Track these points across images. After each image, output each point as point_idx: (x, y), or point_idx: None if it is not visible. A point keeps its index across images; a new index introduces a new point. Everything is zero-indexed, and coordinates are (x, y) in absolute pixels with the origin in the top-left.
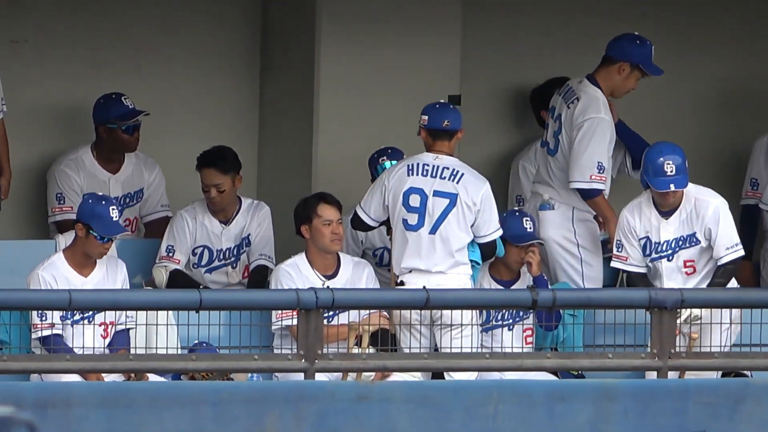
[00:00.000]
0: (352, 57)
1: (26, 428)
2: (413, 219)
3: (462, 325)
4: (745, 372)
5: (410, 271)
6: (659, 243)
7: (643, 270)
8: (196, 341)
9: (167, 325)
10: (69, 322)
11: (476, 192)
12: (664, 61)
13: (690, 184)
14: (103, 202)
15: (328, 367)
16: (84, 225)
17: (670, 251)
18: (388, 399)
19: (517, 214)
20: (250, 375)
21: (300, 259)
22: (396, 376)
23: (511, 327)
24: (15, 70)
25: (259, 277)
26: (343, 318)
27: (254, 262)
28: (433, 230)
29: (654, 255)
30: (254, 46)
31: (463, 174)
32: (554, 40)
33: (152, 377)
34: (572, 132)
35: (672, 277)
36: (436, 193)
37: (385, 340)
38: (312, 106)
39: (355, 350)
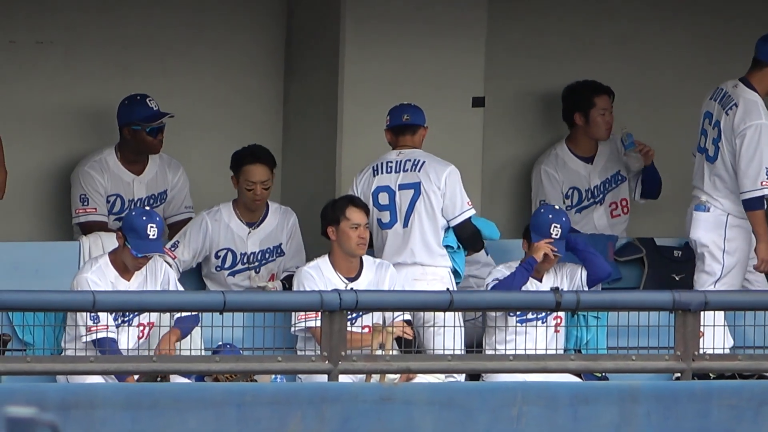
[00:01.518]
0: (376, 59)
1: (49, 430)
2: (386, 217)
3: (444, 325)
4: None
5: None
6: None
7: None
8: (220, 343)
9: None
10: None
11: (438, 176)
12: (690, 64)
13: None
14: (144, 218)
15: (352, 368)
16: (123, 235)
17: None
18: (412, 401)
19: (549, 217)
20: (273, 376)
21: (323, 262)
22: (420, 378)
23: (544, 320)
24: (40, 71)
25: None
26: (367, 320)
27: (286, 271)
28: (406, 223)
29: None
30: (279, 48)
31: (424, 162)
32: (579, 44)
33: (176, 379)
34: (734, 140)
35: None
36: (401, 186)
37: (408, 342)
38: (336, 108)
39: (379, 352)
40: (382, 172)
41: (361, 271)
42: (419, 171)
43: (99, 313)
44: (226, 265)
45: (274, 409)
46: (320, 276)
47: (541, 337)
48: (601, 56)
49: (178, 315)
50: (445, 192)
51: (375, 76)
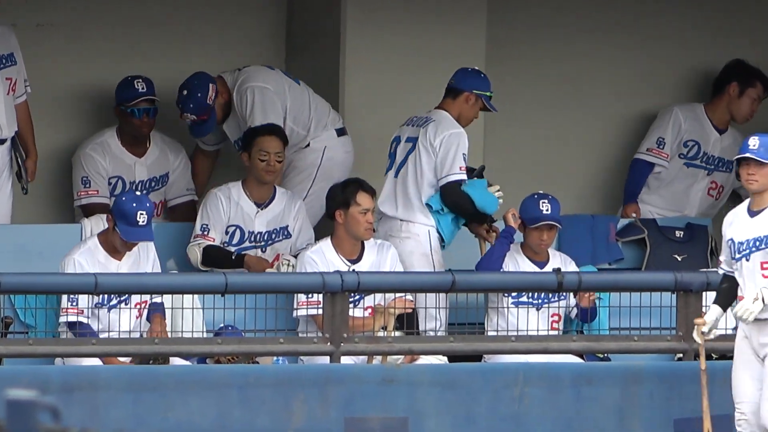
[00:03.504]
0: (377, 42)
1: (50, 412)
2: (389, 164)
3: (426, 307)
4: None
5: (381, 218)
6: None
7: None
8: (222, 325)
9: (193, 308)
10: (106, 307)
11: (435, 134)
12: (705, 44)
13: None
14: (134, 204)
15: (354, 350)
16: (113, 218)
17: None
18: (414, 382)
19: (535, 197)
20: (275, 358)
21: (325, 245)
22: (422, 359)
23: (539, 307)
24: (41, 53)
25: None
26: (369, 301)
27: (298, 251)
28: (396, 173)
29: None
30: (280, 31)
31: (433, 120)
32: (582, 28)
33: (178, 361)
34: None
35: None
36: (407, 139)
37: (411, 323)
38: (338, 91)
39: (381, 333)
40: (406, 125)
41: (363, 252)
42: (422, 127)
43: (79, 296)
44: (234, 242)
45: (277, 391)
46: (322, 260)
47: (543, 322)
48: (604, 39)
49: (152, 301)
50: (438, 151)
51: (376, 59)
